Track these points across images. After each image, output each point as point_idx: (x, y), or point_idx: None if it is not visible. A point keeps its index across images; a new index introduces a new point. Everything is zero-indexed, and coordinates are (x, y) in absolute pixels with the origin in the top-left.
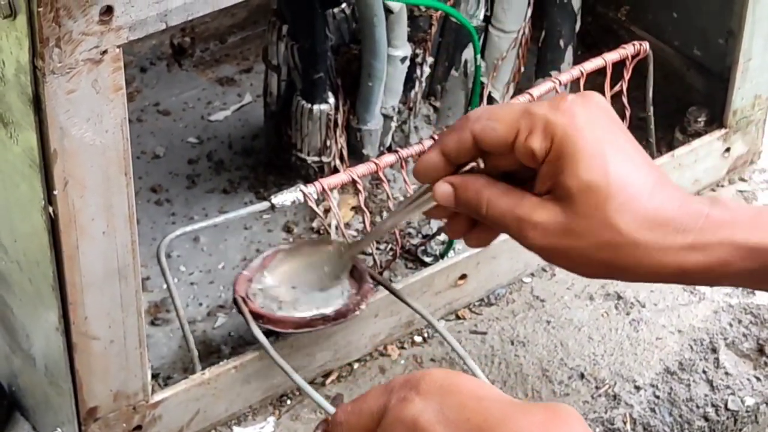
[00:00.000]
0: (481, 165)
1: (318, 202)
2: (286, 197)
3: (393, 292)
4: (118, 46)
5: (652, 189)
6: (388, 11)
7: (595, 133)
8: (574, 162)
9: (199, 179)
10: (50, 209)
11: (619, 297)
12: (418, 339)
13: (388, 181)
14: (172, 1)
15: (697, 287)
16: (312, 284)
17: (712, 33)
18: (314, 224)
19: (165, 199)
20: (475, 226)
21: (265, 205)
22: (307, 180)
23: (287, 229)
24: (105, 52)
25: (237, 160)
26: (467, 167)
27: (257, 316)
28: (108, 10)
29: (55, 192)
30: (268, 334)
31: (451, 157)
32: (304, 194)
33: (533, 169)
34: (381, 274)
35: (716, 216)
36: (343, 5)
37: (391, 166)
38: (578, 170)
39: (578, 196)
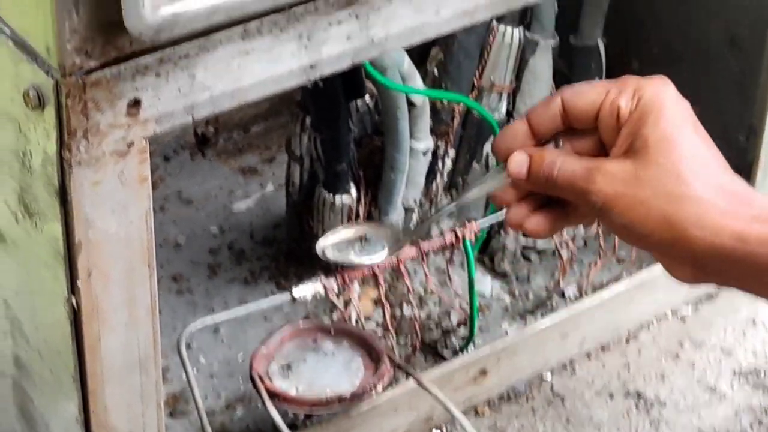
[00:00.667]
0: (559, 147)
1: (338, 293)
2: (307, 289)
3: (414, 376)
4: (145, 139)
5: (722, 167)
6: (410, 104)
7: (681, 106)
8: (658, 116)
9: (220, 269)
10: (73, 300)
11: (640, 396)
12: None
13: (409, 273)
14: (199, 94)
15: (718, 387)
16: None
17: (732, 129)
18: (334, 316)
19: (186, 288)
20: (535, 212)
21: (285, 297)
22: (328, 271)
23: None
24: (132, 144)
25: (258, 249)
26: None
27: (273, 395)
28: (136, 103)
29: (79, 283)
30: (286, 416)
31: (534, 123)
32: (325, 287)
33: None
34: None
35: None
36: (366, 97)
37: (412, 259)
38: (659, 122)
39: (654, 146)
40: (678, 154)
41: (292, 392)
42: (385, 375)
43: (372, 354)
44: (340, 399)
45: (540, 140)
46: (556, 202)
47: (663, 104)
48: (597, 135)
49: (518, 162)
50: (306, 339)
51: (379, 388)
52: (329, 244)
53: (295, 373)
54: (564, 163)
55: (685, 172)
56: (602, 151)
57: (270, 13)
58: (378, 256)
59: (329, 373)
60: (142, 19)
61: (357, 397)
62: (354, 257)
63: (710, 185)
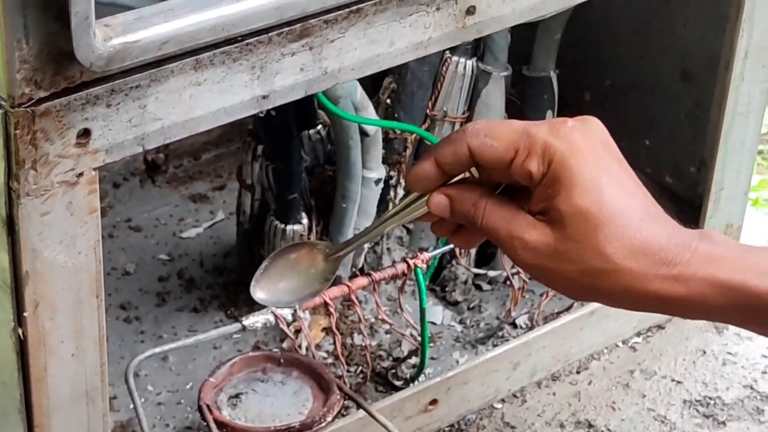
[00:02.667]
0: (475, 175)
1: (289, 322)
2: (257, 319)
3: (363, 406)
4: (95, 169)
5: (643, 219)
6: (363, 134)
7: (591, 160)
8: (569, 188)
9: (169, 297)
10: (20, 331)
11: (590, 425)
12: None
13: (360, 302)
14: (150, 125)
15: (669, 416)
16: (296, 290)
17: (684, 162)
18: (285, 344)
19: (134, 316)
20: (462, 228)
21: (236, 326)
22: None
23: (257, 349)
24: (81, 174)
25: (208, 278)
26: (459, 176)
27: (221, 425)
28: (85, 133)
29: (26, 314)
30: None
31: (445, 168)
32: (276, 316)
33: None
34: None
35: (703, 251)
36: (319, 127)
37: (363, 288)
38: (572, 197)
39: (570, 222)
40: (594, 228)
41: (240, 422)
42: (335, 405)
43: (322, 384)
44: (289, 429)
45: (452, 177)
46: None
47: (573, 171)
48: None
49: (439, 204)
50: (255, 369)
51: (329, 418)
52: (261, 283)
53: (244, 402)
54: (487, 213)
55: (602, 246)
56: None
57: (222, 44)
58: (308, 284)
59: (278, 403)
60: (93, 50)
61: (306, 426)
62: (284, 297)
63: (629, 252)
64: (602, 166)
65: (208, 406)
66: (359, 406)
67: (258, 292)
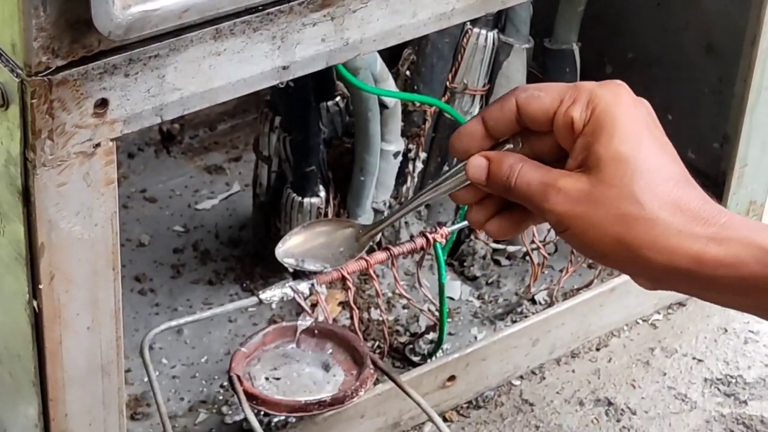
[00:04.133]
0: (517, 146)
1: (306, 296)
2: (275, 293)
3: (395, 380)
4: (112, 140)
5: (680, 180)
6: (382, 106)
7: (636, 114)
8: (611, 132)
9: (184, 269)
10: (35, 303)
11: (610, 403)
12: None
13: (377, 276)
14: (169, 95)
15: (689, 395)
16: (325, 260)
17: (707, 137)
18: (300, 317)
19: (149, 288)
20: (497, 214)
21: (252, 300)
22: (295, 273)
23: (273, 323)
24: (98, 145)
25: (223, 250)
26: (503, 149)
27: (251, 397)
28: (103, 103)
29: (41, 286)
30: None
31: (490, 125)
32: (294, 290)
33: (566, 160)
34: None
35: (738, 218)
36: (338, 98)
37: (381, 263)
38: (612, 140)
39: (607, 165)
40: (632, 173)
41: (271, 394)
42: (367, 379)
43: (356, 356)
44: (320, 403)
45: (497, 140)
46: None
47: (616, 118)
48: (554, 137)
49: (477, 166)
50: (288, 339)
51: (361, 392)
52: (288, 247)
53: (275, 374)
54: (522, 171)
55: (638, 192)
56: (561, 153)
57: (243, 14)
58: (336, 261)
59: (310, 375)
60: (111, 18)
61: (337, 400)
62: (312, 264)
63: (665, 204)
64: (645, 123)
65: (238, 377)
66: (392, 380)
67: (284, 256)
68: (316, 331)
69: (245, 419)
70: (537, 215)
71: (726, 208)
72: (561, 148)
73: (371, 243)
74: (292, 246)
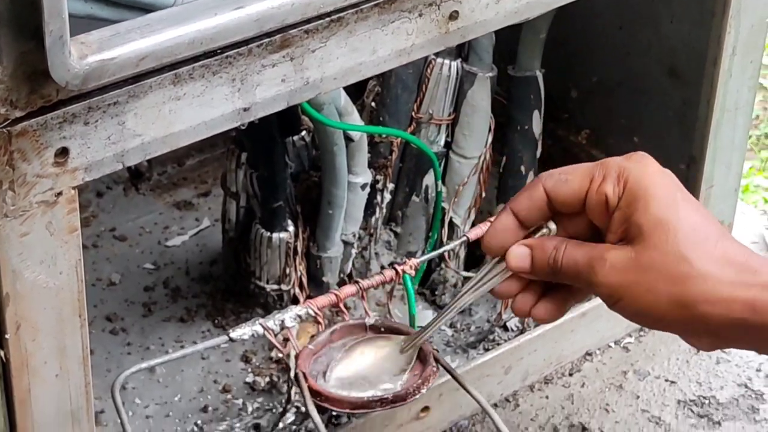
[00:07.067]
0: (552, 229)
1: (276, 333)
2: (245, 330)
3: (456, 378)
4: (74, 188)
5: (721, 237)
6: (348, 139)
7: (666, 180)
8: (646, 201)
9: (156, 307)
10: (1, 353)
11: (584, 428)
12: None
13: (348, 308)
14: (129, 141)
15: (663, 417)
16: (373, 381)
17: (673, 159)
18: (273, 354)
19: (120, 328)
20: (542, 298)
21: (223, 339)
22: (266, 308)
23: (245, 359)
24: (60, 194)
25: (194, 287)
26: (538, 234)
27: (314, 394)
28: (63, 152)
29: (7, 336)
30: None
31: (522, 216)
32: (264, 327)
33: (601, 236)
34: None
35: None
36: (303, 132)
37: (352, 296)
38: (649, 208)
39: (650, 232)
40: (675, 234)
41: (335, 391)
42: (430, 377)
43: (420, 354)
44: (382, 401)
45: (528, 229)
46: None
47: (649, 187)
48: (586, 217)
49: (519, 255)
50: (355, 337)
51: (423, 390)
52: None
53: (340, 371)
54: (567, 251)
55: (685, 251)
56: (595, 230)
57: (201, 58)
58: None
59: (375, 372)
60: (68, 68)
61: (399, 398)
62: (364, 392)
63: (713, 258)
64: (676, 188)
65: (304, 374)
66: (455, 379)
67: (335, 386)
68: (382, 329)
69: None
70: (585, 291)
71: None
72: (593, 225)
73: (341, 275)
74: (339, 370)
